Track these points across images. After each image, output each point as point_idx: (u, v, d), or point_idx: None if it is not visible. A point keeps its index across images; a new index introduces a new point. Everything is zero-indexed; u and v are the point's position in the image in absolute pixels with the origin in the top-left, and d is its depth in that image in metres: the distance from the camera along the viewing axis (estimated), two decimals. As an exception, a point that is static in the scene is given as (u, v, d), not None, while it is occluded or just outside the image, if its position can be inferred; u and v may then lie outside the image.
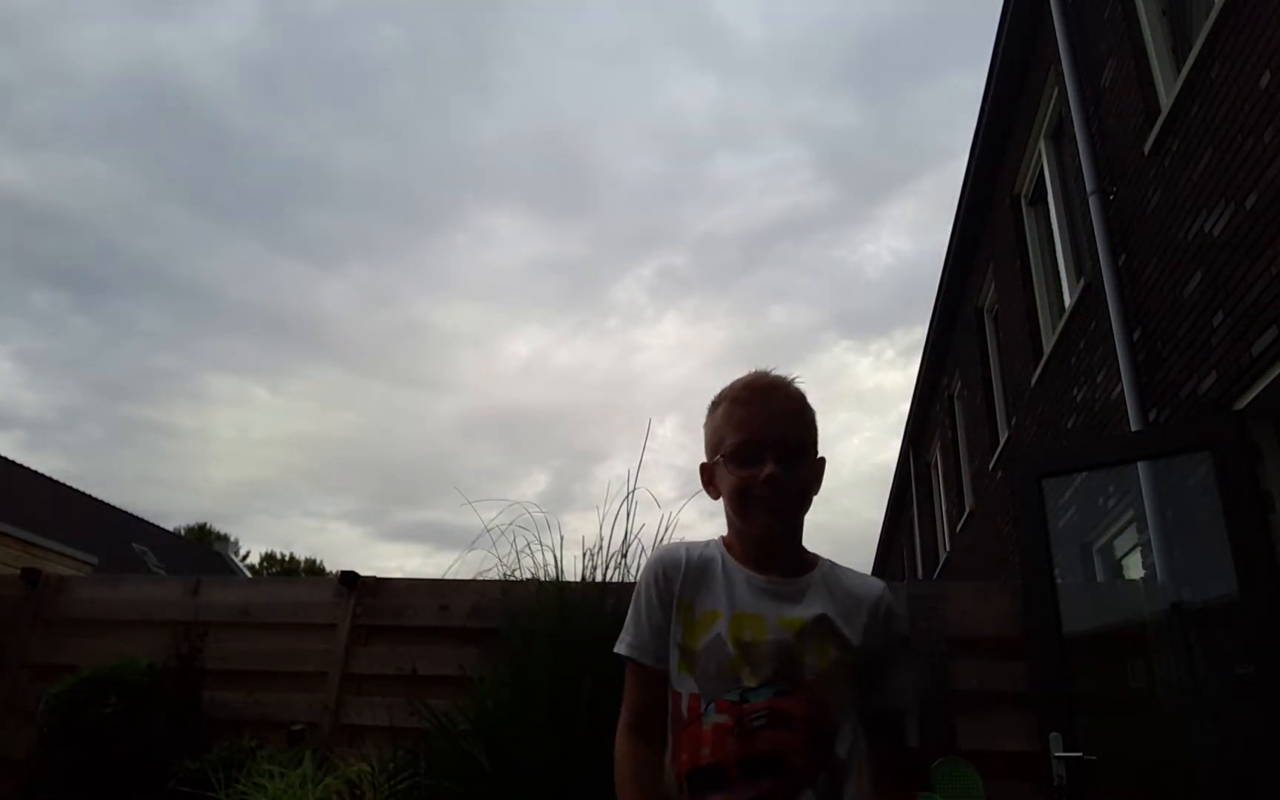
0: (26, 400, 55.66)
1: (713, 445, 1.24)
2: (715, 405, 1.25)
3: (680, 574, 1.20)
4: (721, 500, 1.24)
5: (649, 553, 3.79)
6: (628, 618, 1.24)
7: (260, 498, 62.58)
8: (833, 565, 1.24)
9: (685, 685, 1.14)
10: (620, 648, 1.23)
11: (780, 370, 1.25)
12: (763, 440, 1.17)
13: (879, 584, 1.23)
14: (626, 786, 1.17)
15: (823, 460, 1.24)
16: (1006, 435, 7.58)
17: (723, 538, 1.26)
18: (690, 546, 1.24)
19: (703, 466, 1.26)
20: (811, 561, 1.22)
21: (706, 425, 1.26)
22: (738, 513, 1.20)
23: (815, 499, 1.24)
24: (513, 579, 3.76)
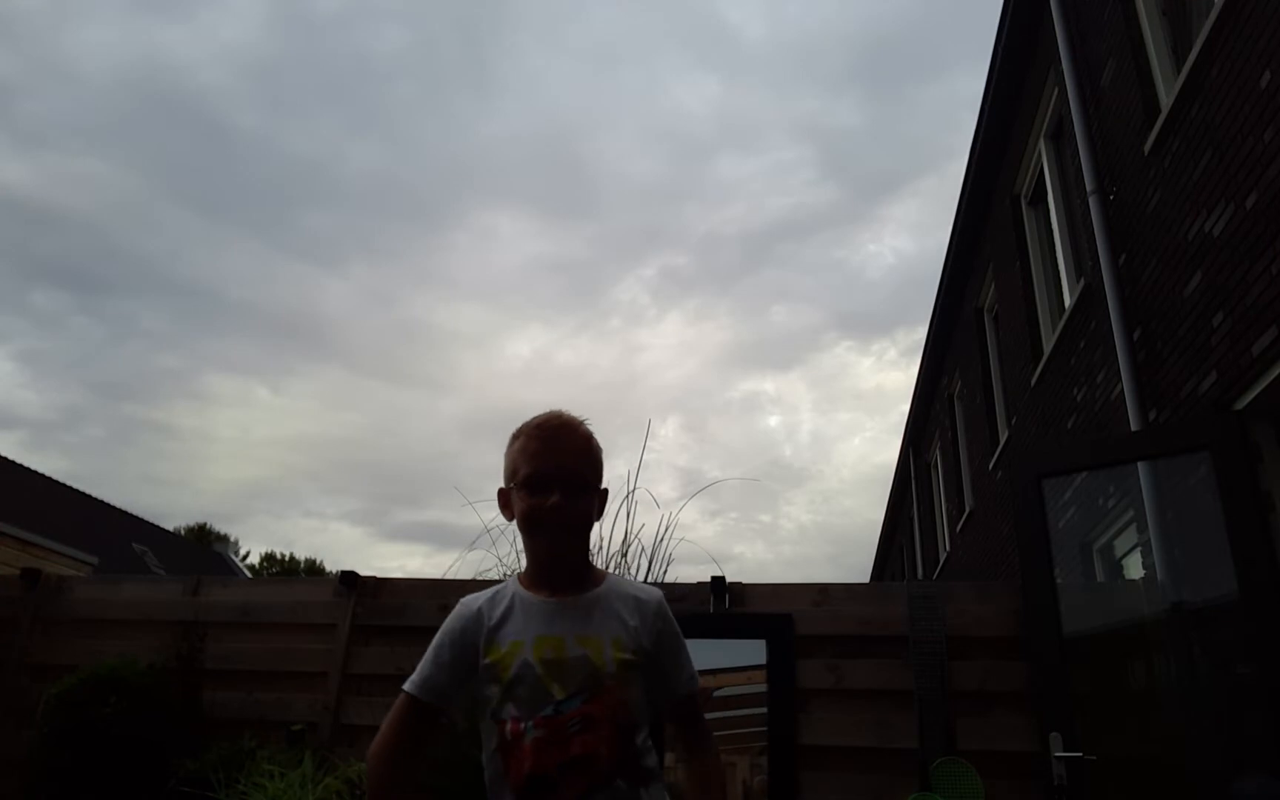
0: (28, 400, 55.65)
1: (509, 473, 1.39)
2: (514, 438, 1.40)
3: (479, 626, 1.34)
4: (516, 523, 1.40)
5: (648, 552, 3.81)
6: (424, 659, 1.36)
7: (261, 498, 62.60)
8: (617, 578, 1.43)
9: (507, 712, 1.27)
10: (409, 686, 1.34)
11: (571, 412, 1.42)
12: (550, 474, 1.33)
13: (656, 590, 1.43)
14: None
15: (605, 491, 1.43)
16: (1006, 435, 7.58)
17: (519, 574, 1.42)
18: (486, 599, 1.38)
19: (500, 491, 1.42)
20: (599, 577, 1.40)
21: (506, 454, 1.41)
22: (528, 534, 1.37)
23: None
24: (513, 579, 3.76)
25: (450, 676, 1.34)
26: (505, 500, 1.41)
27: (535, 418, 1.40)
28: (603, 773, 1.24)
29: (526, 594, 1.36)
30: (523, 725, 1.25)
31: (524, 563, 1.43)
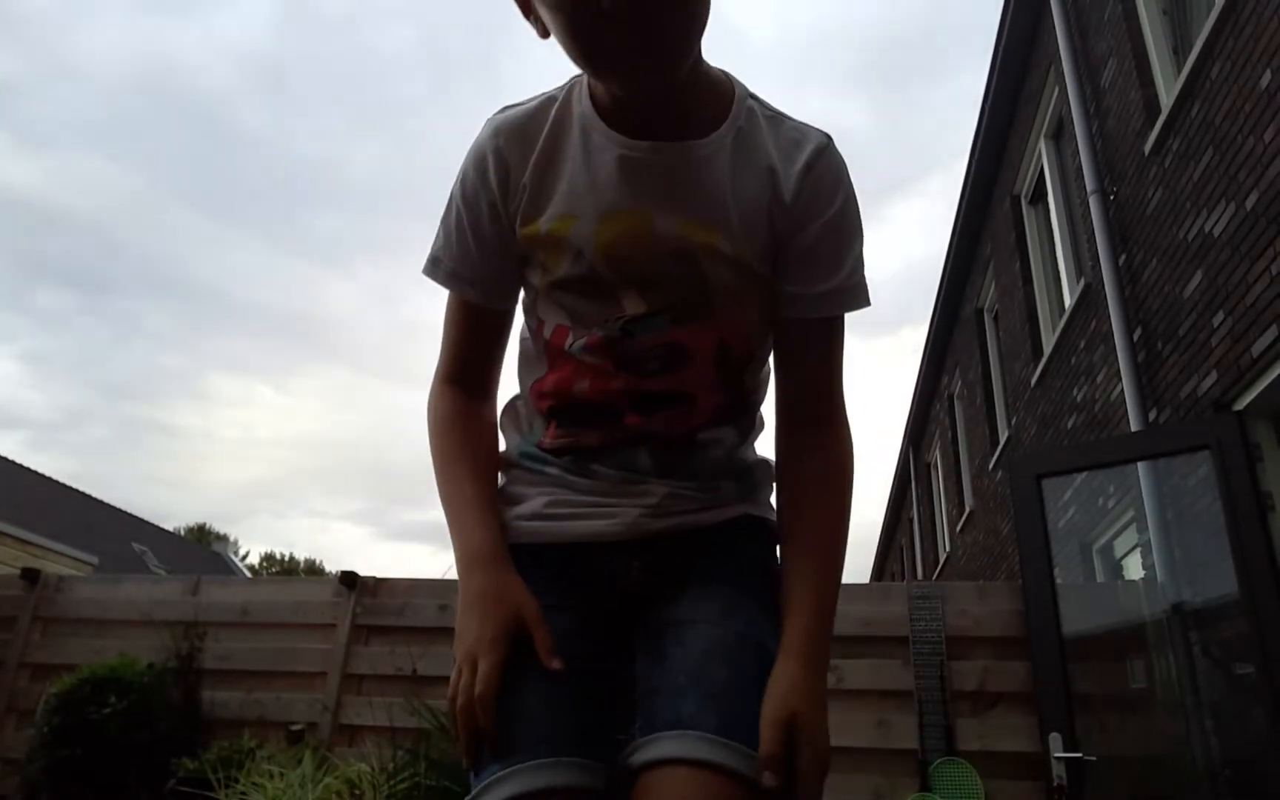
0: (32, 400, 55.76)
1: None
2: None
3: (505, 173, 0.84)
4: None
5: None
6: (440, 228, 0.89)
7: (264, 498, 62.72)
8: (757, 105, 0.85)
9: (549, 315, 0.87)
10: (437, 274, 0.88)
11: None
12: None
13: (819, 132, 0.86)
14: (453, 458, 0.89)
15: None
16: (1006, 435, 7.58)
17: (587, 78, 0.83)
18: (525, 117, 0.85)
19: None
20: (721, 98, 0.83)
21: None
22: (582, 64, 0.76)
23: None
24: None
25: (479, 257, 0.87)
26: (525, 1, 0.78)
27: None
28: (696, 415, 0.88)
29: (596, 122, 0.81)
30: (570, 340, 0.86)
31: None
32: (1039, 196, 6.80)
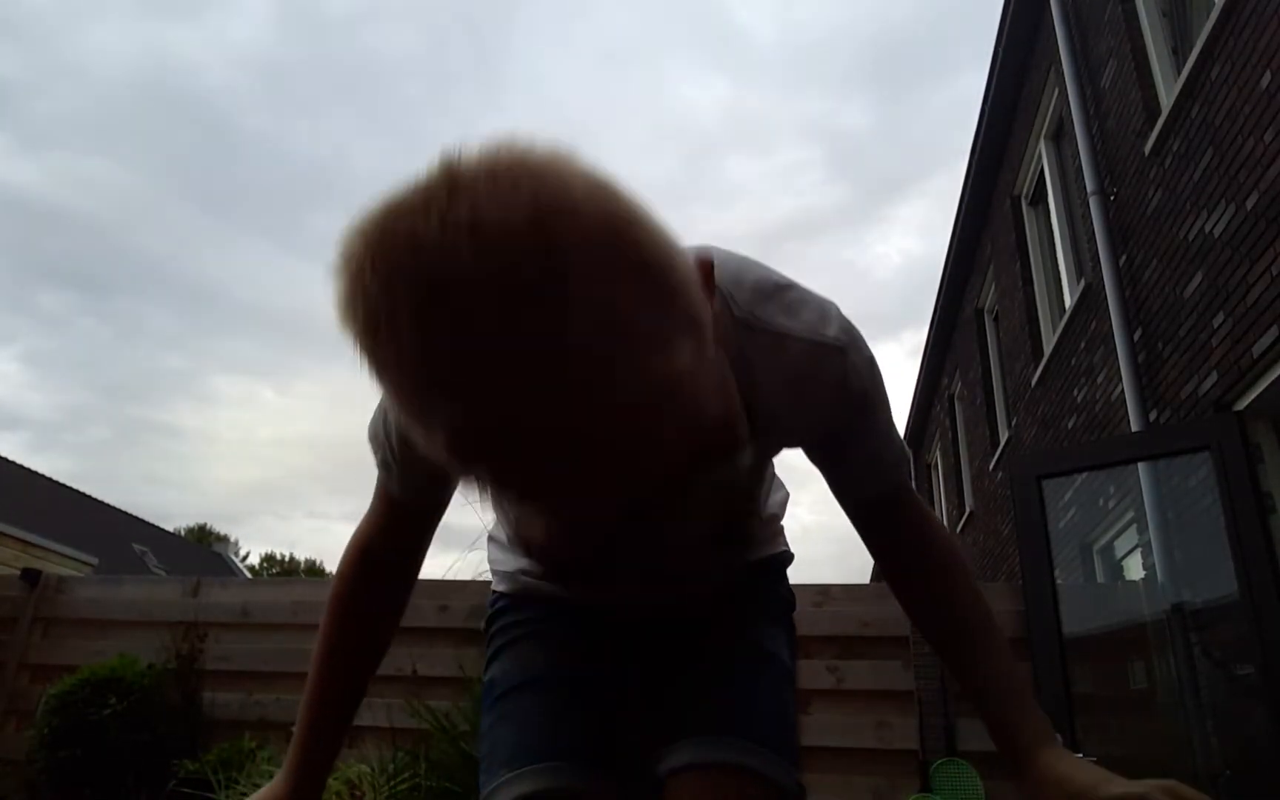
0: (33, 401, 55.76)
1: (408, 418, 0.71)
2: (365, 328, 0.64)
3: None
4: None
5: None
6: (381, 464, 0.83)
7: (265, 498, 62.71)
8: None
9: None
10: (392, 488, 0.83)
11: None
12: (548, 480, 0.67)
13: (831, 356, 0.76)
14: (322, 660, 0.88)
15: (701, 323, 0.65)
16: (1007, 436, 7.58)
17: None
18: None
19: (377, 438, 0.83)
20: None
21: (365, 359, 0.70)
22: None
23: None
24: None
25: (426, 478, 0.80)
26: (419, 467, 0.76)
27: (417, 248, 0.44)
28: (701, 553, 0.89)
29: None
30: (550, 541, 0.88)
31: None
32: (1039, 197, 6.80)
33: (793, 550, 1.04)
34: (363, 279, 0.42)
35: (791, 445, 0.82)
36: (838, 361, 0.73)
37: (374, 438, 0.80)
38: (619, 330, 0.41)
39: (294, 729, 0.86)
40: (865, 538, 0.89)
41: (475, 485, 0.51)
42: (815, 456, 0.84)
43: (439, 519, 0.88)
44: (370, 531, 0.87)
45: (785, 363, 0.71)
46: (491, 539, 1.01)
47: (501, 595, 0.98)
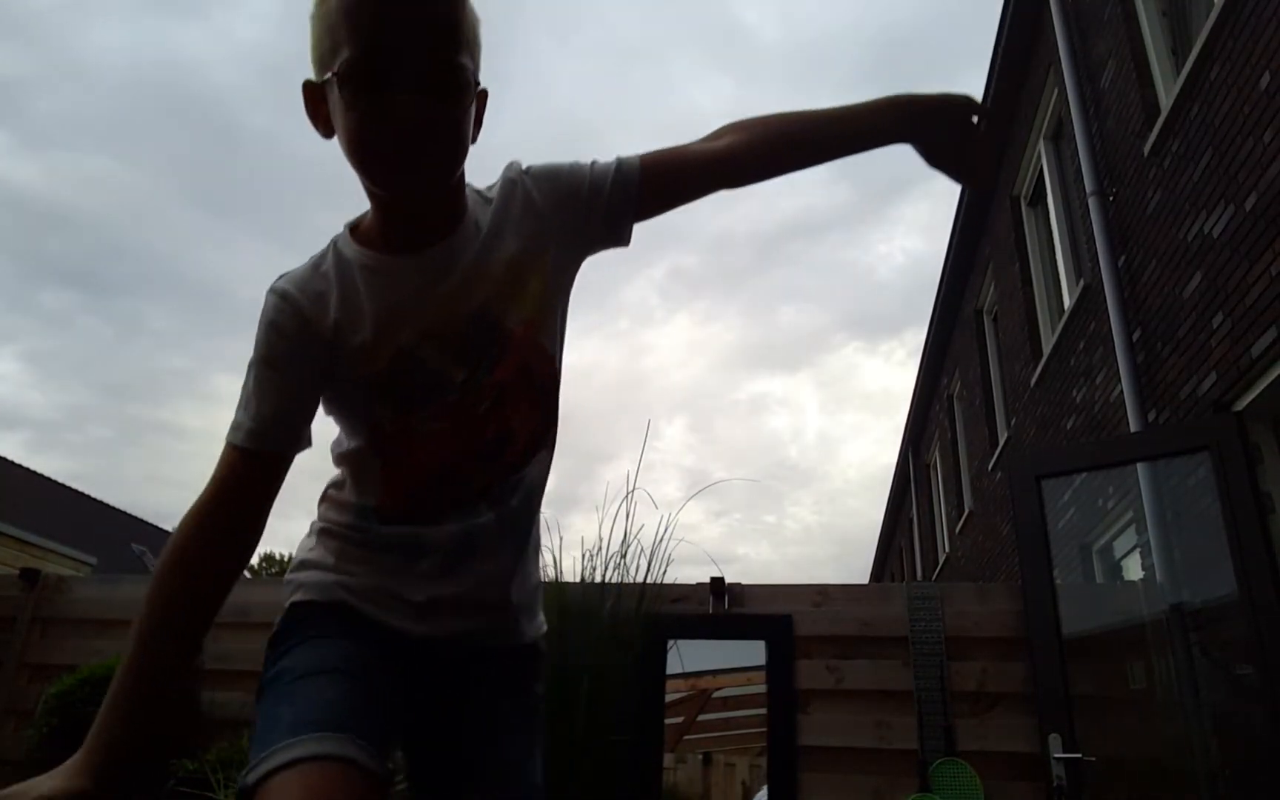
0: (34, 401, 55.67)
1: (322, 55, 0.84)
2: None
3: (318, 319, 0.91)
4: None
5: (647, 554, 3.80)
6: (244, 393, 0.93)
7: (263, 498, 62.55)
8: (474, 192, 0.98)
9: (381, 414, 0.94)
10: (238, 437, 0.91)
11: None
12: (391, 52, 0.79)
13: (507, 169, 0.99)
14: (144, 624, 0.88)
15: (484, 92, 0.90)
16: (1006, 436, 7.58)
17: (348, 227, 0.96)
18: (306, 276, 0.93)
19: (307, 86, 0.88)
20: (467, 200, 0.96)
21: (313, 22, 0.85)
22: (360, 169, 0.87)
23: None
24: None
25: (295, 401, 0.92)
26: (315, 104, 0.88)
27: None
28: (519, 455, 0.98)
29: (372, 257, 0.92)
30: (412, 420, 0.94)
31: None
32: (1038, 198, 6.81)
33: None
34: None
35: (526, 234, 0.96)
36: (510, 167, 0.99)
37: (258, 344, 0.91)
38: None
39: (101, 707, 0.86)
40: (658, 189, 0.99)
41: (339, 88, 0.81)
42: (566, 232, 0.97)
43: (286, 470, 0.95)
44: (215, 493, 0.91)
45: (487, 191, 0.98)
46: (305, 564, 1.05)
47: (305, 604, 1.00)
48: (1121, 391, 4.42)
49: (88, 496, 19.56)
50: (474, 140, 0.91)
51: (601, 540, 3.73)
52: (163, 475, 58.45)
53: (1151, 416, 4.20)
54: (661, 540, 3.81)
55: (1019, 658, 3.57)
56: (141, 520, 21.75)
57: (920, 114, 1.00)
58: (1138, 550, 4.41)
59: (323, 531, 1.04)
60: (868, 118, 1.01)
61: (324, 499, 1.07)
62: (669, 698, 3.82)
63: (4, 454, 18.28)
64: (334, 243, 0.95)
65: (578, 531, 5.77)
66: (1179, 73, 4.00)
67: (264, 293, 0.93)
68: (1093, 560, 5.23)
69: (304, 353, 0.91)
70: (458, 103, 0.84)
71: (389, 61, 0.80)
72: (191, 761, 3.58)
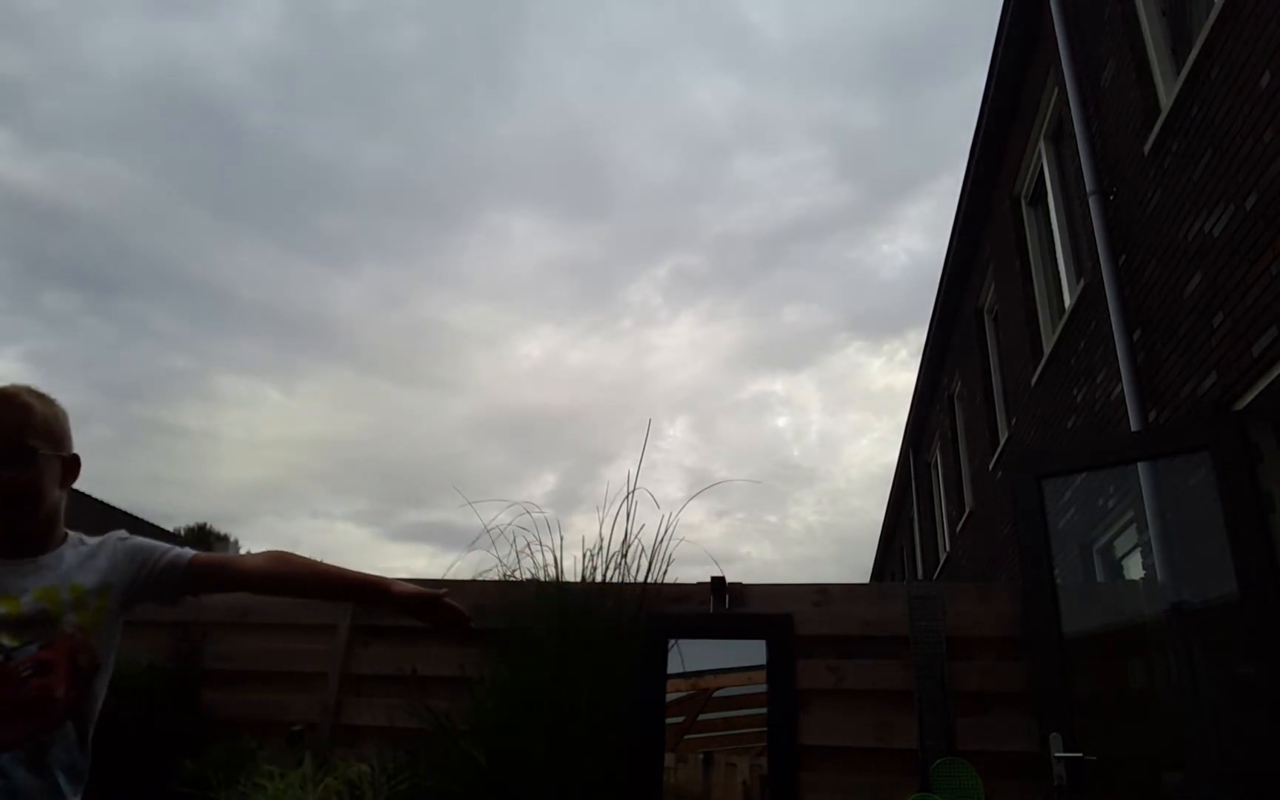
0: (33, 402, 55.44)
1: None
2: None
3: None
4: None
5: (648, 552, 3.81)
6: None
7: (269, 498, 62.56)
8: (81, 538, 1.48)
9: None
10: None
11: (19, 384, 1.44)
12: None
13: (113, 533, 1.51)
14: None
15: (74, 458, 1.46)
16: (1006, 435, 7.58)
17: None
18: None
19: None
20: (63, 538, 1.45)
21: None
22: None
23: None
24: (513, 579, 3.77)
25: None
26: None
27: None
28: (55, 716, 1.34)
29: None
30: None
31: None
32: (1039, 197, 6.81)
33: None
34: None
35: (100, 580, 1.43)
36: (108, 535, 1.50)
37: None
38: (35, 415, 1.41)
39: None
40: (200, 584, 1.55)
41: None
42: (129, 588, 1.47)
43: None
44: None
45: (89, 543, 1.48)
46: None
47: None
48: (1122, 391, 4.42)
49: (88, 496, 19.54)
50: (65, 486, 1.45)
51: (603, 540, 3.74)
52: (165, 475, 58.41)
53: (1152, 416, 4.20)
54: (663, 540, 3.82)
55: (1019, 658, 3.57)
56: (142, 520, 21.75)
57: (396, 601, 1.60)
58: (1138, 550, 4.41)
59: None
60: (358, 588, 1.68)
61: None
62: (669, 697, 3.82)
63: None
64: None
65: (579, 531, 5.77)
66: (1179, 72, 4.00)
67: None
68: (1093, 560, 5.23)
69: None
70: (31, 468, 1.37)
71: None
72: (192, 761, 3.58)
